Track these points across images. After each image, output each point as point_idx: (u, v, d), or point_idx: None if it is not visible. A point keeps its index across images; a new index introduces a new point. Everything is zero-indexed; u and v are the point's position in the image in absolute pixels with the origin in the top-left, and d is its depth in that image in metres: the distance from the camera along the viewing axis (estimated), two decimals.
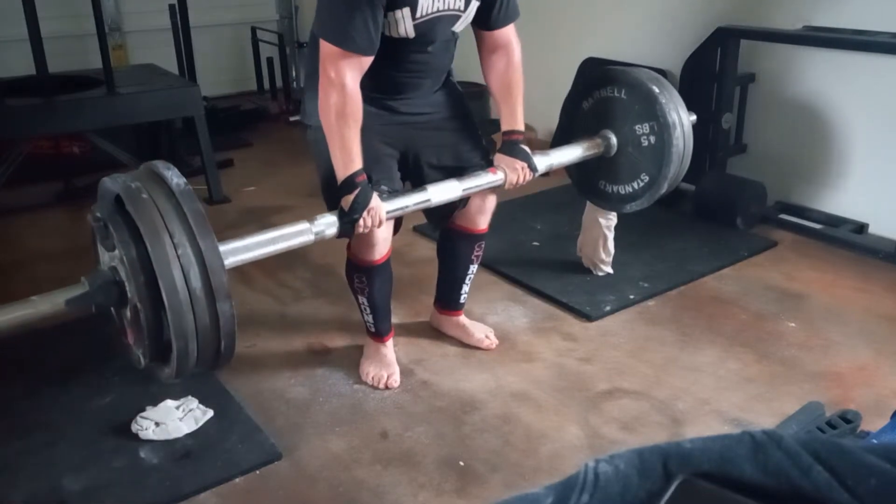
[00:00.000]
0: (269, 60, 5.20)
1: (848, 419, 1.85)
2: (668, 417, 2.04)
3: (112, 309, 1.76)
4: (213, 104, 4.63)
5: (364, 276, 2.14)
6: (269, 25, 5.37)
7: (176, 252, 1.52)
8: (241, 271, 2.93)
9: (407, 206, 2.00)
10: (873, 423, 1.84)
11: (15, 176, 3.53)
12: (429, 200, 2.03)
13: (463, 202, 2.19)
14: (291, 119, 4.93)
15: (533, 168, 2.17)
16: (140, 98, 3.52)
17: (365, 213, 1.87)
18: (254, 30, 5.23)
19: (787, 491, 0.53)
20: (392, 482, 1.83)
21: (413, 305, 2.63)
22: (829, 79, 3.09)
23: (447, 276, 2.38)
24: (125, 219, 1.59)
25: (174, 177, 1.63)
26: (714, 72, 3.24)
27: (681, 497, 0.53)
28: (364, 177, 1.88)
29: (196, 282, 1.53)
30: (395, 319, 2.32)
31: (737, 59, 3.24)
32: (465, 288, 2.38)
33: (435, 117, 2.12)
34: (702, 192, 3.30)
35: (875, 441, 1.35)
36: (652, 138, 2.33)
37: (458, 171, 2.12)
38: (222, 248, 1.65)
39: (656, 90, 2.32)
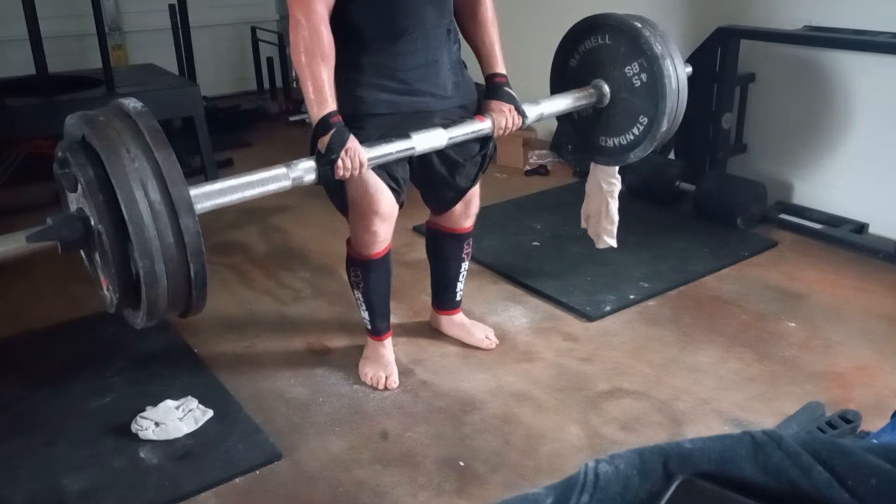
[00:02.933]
0: (269, 60, 5.21)
1: (848, 419, 1.85)
2: (668, 417, 2.04)
3: (83, 253, 1.70)
4: (213, 104, 4.63)
5: (359, 270, 2.13)
6: (269, 25, 5.37)
7: (133, 165, 1.50)
8: (241, 271, 2.94)
9: (390, 154, 1.93)
10: (873, 423, 1.84)
11: (15, 176, 3.53)
12: (413, 148, 1.95)
13: (450, 203, 2.17)
14: (291, 119, 4.93)
15: (521, 112, 2.09)
16: (140, 98, 3.48)
17: (343, 153, 1.81)
18: (254, 30, 5.24)
19: (787, 491, 0.53)
20: (392, 482, 1.83)
21: (413, 305, 2.63)
22: (829, 79, 3.09)
23: (440, 276, 2.38)
24: (84, 146, 1.58)
25: (132, 103, 1.62)
26: (714, 72, 3.24)
27: (681, 497, 0.53)
28: (339, 118, 1.83)
29: (155, 194, 1.50)
30: (394, 319, 2.32)
31: (737, 59, 3.24)
32: (460, 285, 2.38)
33: (450, 104, 2.05)
34: (702, 192, 3.30)
35: (875, 441, 1.35)
36: (643, 76, 2.29)
37: (458, 165, 2.10)
38: (194, 191, 1.61)
39: (639, 25, 2.28)
